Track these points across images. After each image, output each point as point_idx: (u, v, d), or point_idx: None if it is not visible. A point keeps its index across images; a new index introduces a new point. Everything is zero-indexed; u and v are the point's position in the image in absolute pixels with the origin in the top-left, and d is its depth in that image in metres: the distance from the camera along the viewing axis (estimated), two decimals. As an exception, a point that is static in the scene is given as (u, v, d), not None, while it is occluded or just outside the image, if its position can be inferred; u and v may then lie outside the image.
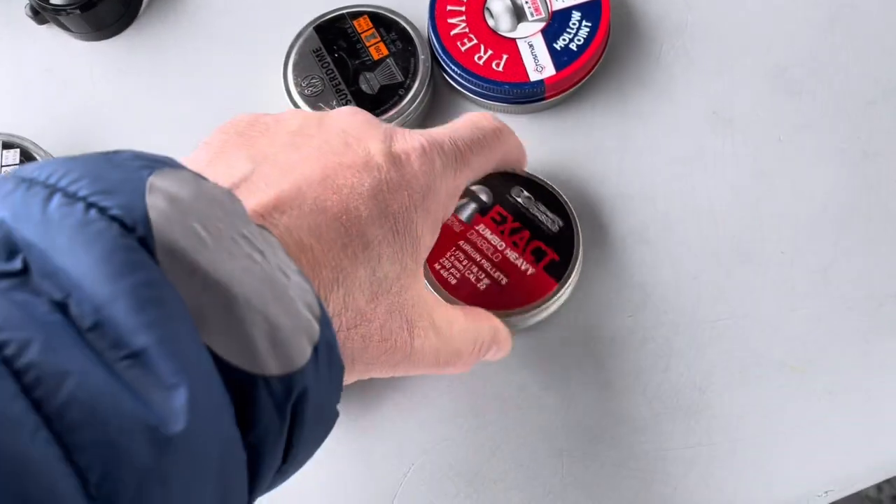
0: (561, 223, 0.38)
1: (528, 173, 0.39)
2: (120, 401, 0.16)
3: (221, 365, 0.18)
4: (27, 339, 0.15)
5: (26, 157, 0.42)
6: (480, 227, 0.37)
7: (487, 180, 0.37)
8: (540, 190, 0.38)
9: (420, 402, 0.39)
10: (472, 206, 0.38)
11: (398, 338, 0.27)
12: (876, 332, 0.39)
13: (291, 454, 0.21)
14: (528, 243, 0.37)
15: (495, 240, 0.37)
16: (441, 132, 0.31)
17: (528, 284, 0.37)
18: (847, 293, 0.39)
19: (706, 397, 0.38)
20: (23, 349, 0.15)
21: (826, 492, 0.37)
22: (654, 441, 0.37)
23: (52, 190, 0.18)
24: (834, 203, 0.41)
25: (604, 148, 0.42)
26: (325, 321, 0.21)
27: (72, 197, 0.18)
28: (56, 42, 0.47)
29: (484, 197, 0.38)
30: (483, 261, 0.37)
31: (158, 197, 0.19)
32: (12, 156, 0.42)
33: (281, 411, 0.19)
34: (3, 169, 0.42)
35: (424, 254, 0.29)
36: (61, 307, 0.17)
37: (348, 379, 0.27)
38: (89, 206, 0.18)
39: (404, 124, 0.42)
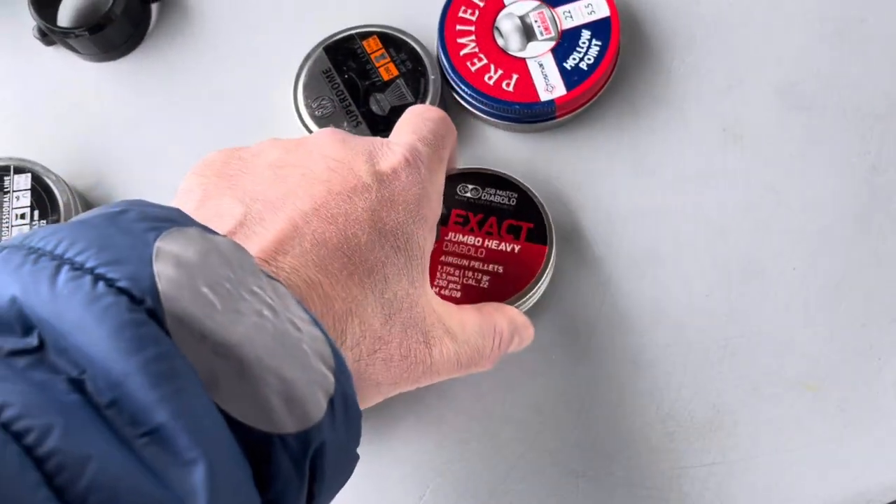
0: (515, 195, 0.39)
1: (457, 169, 0.40)
2: (140, 483, 0.16)
3: (237, 427, 0.18)
4: (48, 425, 0.15)
5: (37, 181, 0.42)
6: (451, 236, 0.38)
7: None
8: (479, 177, 0.40)
9: (435, 423, 0.39)
10: None
11: (417, 352, 0.27)
12: (889, 348, 0.39)
13: (315, 503, 0.21)
14: (500, 227, 0.38)
15: (470, 240, 0.38)
16: (411, 137, 0.31)
17: (523, 260, 0.38)
18: (859, 309, 0.39)
19: (720, 416, 0.38)
20: (44, 436, 0.15)
21: (841, 509, 0.37)
22: (668, 460, 0.38)
23: (60, 262, 0.18)
24: (845, 218, 0.41)
25: (615, 166, 0.42)
26: (339, 370, 0.21)
27: (79, 269, 0.18)
28: (64, 64, 0.47)
29: None
30: (472, 263, 0.38)
31: (166, 263, 0.19)
32: (24, 180, 0.42)
33: (299, 467, 0.19)
34: (15, 194, 0.42)
35: (428, 260, 0.29)
36: (78, 384, 0.17)
37: (374, 401, 0.27)
38: (97, 278, 0.18)
39: (415, 145, 0.42)
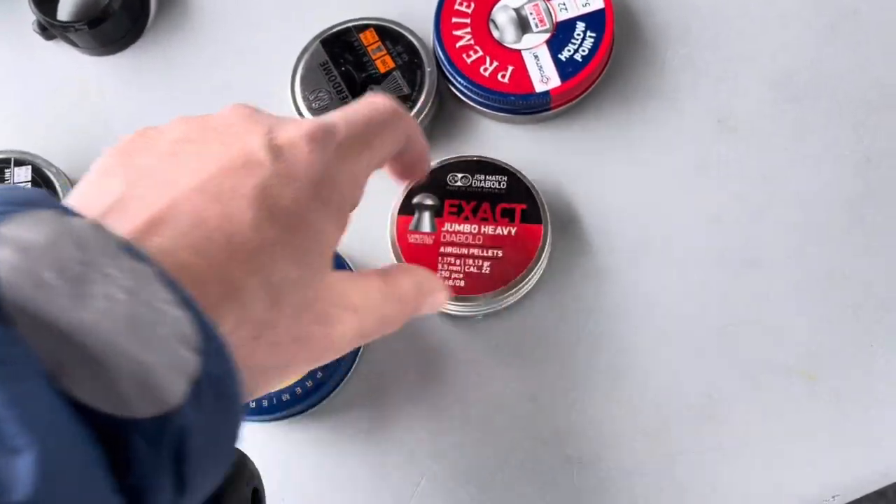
0: (504, 178, 0.40)
1: (442, 161, 0.40)
2: None
3: (87, 413, 0.18)
4: None
5: (38, 173, 0.42)
6: (447, 226, 0.39)
7: (420, 187, 0.39)
8: (467, 165, 0.40)
9: (431, 411, 0.39)
10: (427, 213, 0.39)
11: (312, 333, 0.26)
12: (882, 335, 0.39)
13: (187, 489, 0.20)
14: (494, 212, 0.39)
15: (466, 228, 0.39)
16: (333, 114, 0.29)
17: (521, 241, 0.38)
18: (853, 298, 0.40)
19: (714, 403, 0.38)
20: None
21: (834, 496, 0.37)
22: (663, 446, 0.38)
23: None
24: (839, 208, 0.41)
25: (610, 157, 0.43)
26: (208, 352, 0.20)
27: None
28: (64, 58, 0.48)
29: (430, 201, 0.39)
30: (471, 250, 0.38)
31: (7, 249, 0.18)
32: (24, 173, 0.42)
33: (158, 452, 0.19)
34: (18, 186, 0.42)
35: (332, 246, 0.27)
36: None
37: (267, 385, 0.26)
38: None
39: (412, 136, 0.42)
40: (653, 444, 0.38)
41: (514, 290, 0.38)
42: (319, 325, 0.26)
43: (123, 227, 0.23)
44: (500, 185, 0.39)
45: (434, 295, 0.32)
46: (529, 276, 0.38)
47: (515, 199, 0.39)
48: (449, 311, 0.39)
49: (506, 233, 0.38)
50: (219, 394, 0.20)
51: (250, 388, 0.24)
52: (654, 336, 0.40)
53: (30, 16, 0.46)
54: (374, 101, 0.30)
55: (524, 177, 0.40)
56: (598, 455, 0.38)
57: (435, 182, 0.40)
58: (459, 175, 0.40)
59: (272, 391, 0.27)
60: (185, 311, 0.20)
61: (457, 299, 0.38)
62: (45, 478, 0.16)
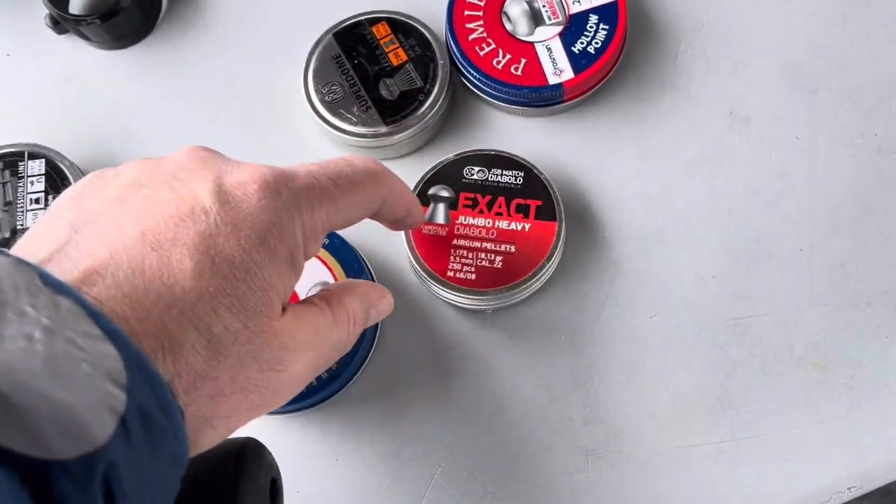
0: (521, 174, 0.40)
1: (459, 154, 0.40)
2: None
3: (9, 456, 0.17)
4: None
5: (51, 166, 0.43)
6: (461, 219, 0.39)
7: (438, 177, 0.40)
8: (484, 159, 0.40)
9: (445, 404, 0.39)
10: (441, 206, 0.39)
11: (260, 380, 0.25)
12: (895, 327, 0.39)
13: None
14: (508, 206, 0.39)
15: (480, 221, 0.39)
16: (298, 166, 0.28)
17: (534, 238, 0.38)
18: (866, 289, 0.40)
19: (728, 394, 0.39)
20: None
21: (849, 488, 0.37)
22: (677, 438, 0.38)
23: None
24: (851, 199, 0.41)
25: (623, 149, 0.43)
26: (137, 387, 0.20)
27: None
28: (76, 52, 0.48)
29: (445, 193, 0.39)
30: (484, 244, 0.38)
31: None
32: (38, 166, 0.43)
33: (86, 493, 0.18)
34: (30, 179, 0.42)
35: (280, 295, 0.26)
36: None
37: (213, 435, 0.25)
38: None
39: (425, 129, 0.42)
40: (667, 435, 0.38)
41: (523, 287, 0.38)
42: (269, 372, 0.25)
43: (61, 276, 0.22)
44: (516, 180, 0.39)
45: (380, 304, 0.32)
46: (540, 274, 0.38)
47: (531, 194, 0.39)
48: (458, 304, 0.39)
49: (519, 228, 0.39)
50: (150, 427, 0.20)
51: (193, 436, 0.23)
52: (667, 327, 0.40)
53: (42, 10, 0.46)
54: (350, 159, 0.30)
55: (541, 172, 0.40)
56: (613, 446, 0.38)
57: (451, 174, 0.40)
58: (476, 168, 0.40)
59: (217, 441, 0.25)
60: (110, 344, 0.20)
61: (467, 292, 0.38)
62: None
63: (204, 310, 0.23)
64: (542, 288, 0.40)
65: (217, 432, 0.25)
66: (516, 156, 0.40)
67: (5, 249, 0.21)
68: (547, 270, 0.38)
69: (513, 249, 0.38)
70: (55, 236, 0.24)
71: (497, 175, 0.40)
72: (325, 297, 0.30)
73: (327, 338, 0.28)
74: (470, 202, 0.39)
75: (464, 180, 0.40)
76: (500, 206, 0.39)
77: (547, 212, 0.39)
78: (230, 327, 0.24)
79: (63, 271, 0.22)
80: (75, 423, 0.18)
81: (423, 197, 0.39)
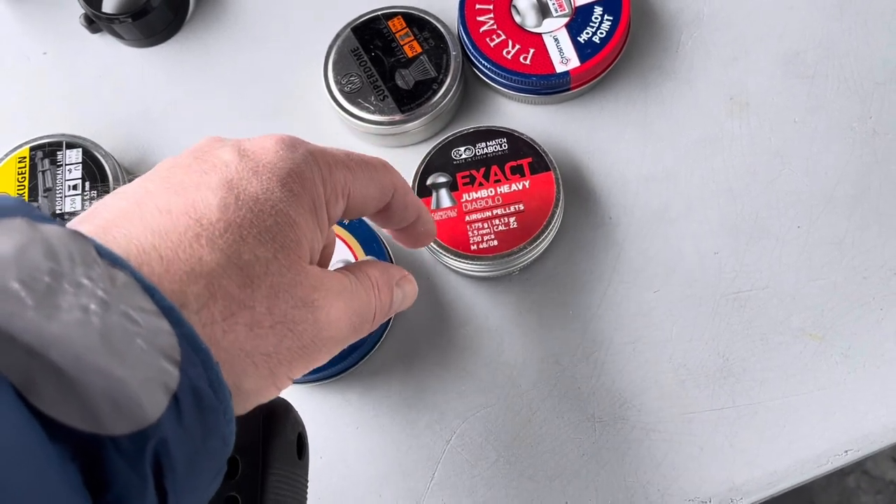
0: (504, 140, 0.43)
1: (442, 140, 0.43)
2: None
3: (61, 430, 0.17)
4: None
5: (88, 155, 0.45)
6: (465, 196, 0.42)
7: (431, 167, 0.42)
8: (466, 137, 0.43)
9: (459, 374, 0.41)
10: (443, 190, 0.42)
11: (295, 317, 0.25)
12: (889, 299, 0.41)
13: (170, 502, 0.19)
14: (504, 172, 0.42)
15: (483, 192, 0.41)
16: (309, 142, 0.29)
17: (537, 190, 0.41)
18: (861, 264, 0.41)
19: (729, 364, 0.40)
20: None
21: (846, 451, 0.39)
22: (680, 406, 0.40)
23: None
24: (846, 179, 0.43)
25: (627, 134, 0.45)
26: (189, 362, 0.20)
27: None
28: (109, 49, 0.51)
29: (442, 178, 0.42)
30: (495, 211, 0.41)
31: None
32: (75, 155, 0.45)
33: (137, 469, 0.18)
34: (68, 167, 0.45)
35: (308, 240, 0.26)
36: None
37: (258, 377, 0.24)
38: None
39: (439, 116, 0.45)
40: (671, 403, 0.40)
41: (545, 235, 0.40)
42: (304, 309, 0.25)
43: (92, 225, 0.22)
44: (501, 147, 0.42)
45: (405, 285, 0.32)
46: (555, 219, 0.41)
47: (520, 155, 0.42)
48: (488, 274, 0.41)
49: (521, 187, 0.41)
50: (201, 405, 0.20)
51: (236, 375, 0.23)
52: (670, 301, 0.42)
53: (77, 10, 0.49)
54: (360, 152, 0.31)
55: (521, 134, 0.42)
56: (619, 414, 0.40)
57: (442, 160, 0.42)
58: (462, 148, 0.42)
59: (266, 395, 0.25)
60: (164, 320, 0.19)
61: (494, 259, 0.40)
62: (13, 501, 0.15)
63: (232, 237, 0.23)
64: (551, 265, 0.42)
65: (259, 374, 0.24)
66: (493, 126, 0.43)
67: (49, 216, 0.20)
68: (559, 215, 0.41)
69: (522, 207, 0.41)
70: (91, 212, 0.25)
71: (483, 148, 0.42)
72: (346, 266, 0.30)
73: (354, 295, 0.28)
74: (467, 179, 0.42)
75: (455, 162, 0.42)
76: (496, 174, 0.42)
77: (540, 165, 0.42)
78: (260, 256, 0.24)
79: (90, 224, 0.23)
80: (129, 399, 0.18)
81: (423, 189, 0.42)
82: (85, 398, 0.17)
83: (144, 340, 0.19)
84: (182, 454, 0.19)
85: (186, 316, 0.21)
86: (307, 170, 0.26)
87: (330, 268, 0.41)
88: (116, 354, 0.18)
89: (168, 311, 0.20)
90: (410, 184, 0.42)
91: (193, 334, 0.20)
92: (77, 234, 0.20)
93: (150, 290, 0.20)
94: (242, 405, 0.24)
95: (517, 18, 0.45)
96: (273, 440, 0.32)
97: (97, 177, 0.45)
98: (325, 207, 0.27)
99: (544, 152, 0.42)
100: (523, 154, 0.42)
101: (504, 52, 0.44)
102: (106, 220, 0.23)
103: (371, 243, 0.42)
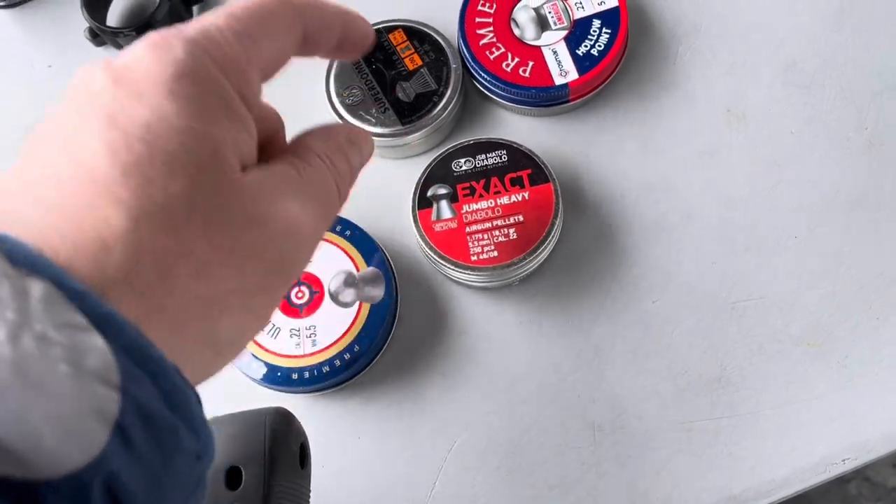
0: (503, 152, 0.43)
1: (443, 152, 0.43)
2: None
3: None
4: None
5: (93, 168, 0.46)
6: (465, 208, 0.42)
7: (431, 178, 0.43)
8: (466, 149, 0.43)
9: (460, 383, 0.42)
10: (443, 202, 0.42)
11: (249, 240, 0.22)
12: (886, 307, 0.41)
13: None
14: (503, 183, 0.42)
15: (483, 204, 0.42)
16: (203, 15, 0.24)
17: (536, 202, 0.42)
18: (858, 272, 0.42)
19: (728, 373, 0.41)
20: None
21: (844, 460, 0.39)
22: (679, 414, 0.40)
23: None
24: (843, 189, 0.43)
25: (626, 145, 0.45)
26: (134, 380, 0.17)
27: None
28: (114, 62, 0.51)
29: (443, 190, 0.43)
30: (495, 222, 0.41)
31: None
32: (80, 167, 0.46)
33: None
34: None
35: (231, 150, 0.22)
36: None
37: (235, 322, 0.22)
38: None
39: (439, 128, 0.45)
40: (670, 411, 0.40)
41: (544, 246, 0.41)
42: (253, 230, 0.22)
43: None
44: (501, 158, 0.43)
45: (358, 142, 0.29)
46: (554, 230, 0.41)
47: (519, 166, 0.42)
48: (488, 284, 0.42)
49: (520, 199, 0.42)
50: (154, 426, 0.17)
51: (203, 329, 0.21)
52: (669, 311, 0.42)
53: (82, 23, 0.50)
54: None
55: (521, 146, 0.43)
56: (618, 422, 0.40)
57: (442, 172, 0.43)
58: (463, 159, 0.43)
59: (253, 333, 0.23)
60: (96, 333, 0.17)
61: (494, 270, 0.40)
62: None
63: (135, 182, 0.20)
64: (551, 275, 0.42)
65: (235, 314, 0.21)
66: (493, 138, 0.43)
67: None
68: (558, 226, 0.41)
69: (521, 218, 0.41)
70: None
71: (483, 160, 0.43)
72: (288, 152, 0.26)
73: (307, 183, 0.25)
74: (468, 190, 0.42)
75: (455, 173, 0.43)
76: (496, 186, 0.42)
77: (539, 177, 0.42)
78: (175, 191, 0.20)
79: None
80: (58, 437, 0.16)
81: (425, 200, 0.42)
82: (5, 444, 0.15)
83: (69, 364, 0.16)
84: (140, 484, 0.17)
85: (116, 299, 0.18)
86: (195, 64, 0.22)
87: (331, 278, 0.42)
88: (33, 387, 0.15)
89: (105, 319, 0.17)
90: (411, 196, 0.43)
91: (139, 342, 0.18)
92: None
93: (79, 298, 0.17)
94: (230, 354, 0.22)
95: (516, 31, 0.46)
96: (276, 450, 0.32)
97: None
98: (236, 98, 0.23)
99: (543, 164, 0.42)
100: (523, 166, 0.42)
101: (503, 65, 0.45)
102: None
103: (372, 253, 0.42)
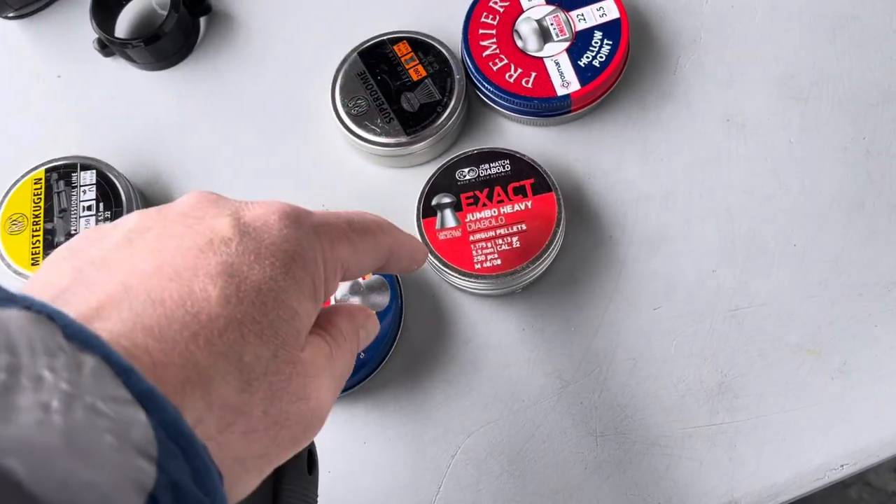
0: (507, 161, 0.44)
1: (447, 161, 0.44)
2: None
3: None
4: None
5: (102, 177, 0.46)
6: (469, 216, 0.43)
7: (436, 187, 0.43)
8: (470, 159, 0.44)
9: (464, 389, 0.42)
10: (447, 211, 0.43)
11: (292, 412, 0.23)
12: (884, 315, 0.42)
13: None
14: (506, 192, 0.43)
15: (486, 213, 0.43)
16: (317, 211, 0.27)
17: (539, 211, 0.42)
18: (856, 281, 0.42)
19: (728, 379, 0.41)
20: None
21: (842, 465, 0.40)
22: (680, 420, 0.41)
23: None
24: (841, 198, 0.44)
25: (627, 154, 0.46)
26: (168, 456, 0.18)
27: None
28: (122, 73, 0.52)
29: (447, 199, 0.43)
30: (498, 231, 0.42)
31: None
32: (90, 176, 0.47)
33: None
34: (82, 188, 0.46)
35: (307, 328, 0.25)
36: None
37: (247, 483, 0.23)
38: None
39: (443, 138, 0.46)
40: (671, 418, 0.41)
41: (546, 255, 0.41)
42: (298, 403, 0.24)
43: (69, 313, 0.20)
44: (504, 168, 0.43)
45: (368, 324, 0.31)
46: (556, 239, 0.42)
47: (522, 176, 0.43)
48: (492, 292, 0.42)
49: (523, 208, 0.42)
50: (181, 497, 0.18)
51: (228, 484, 0.21)
52: (670, 319, 0.43)
53: (91, 34, 0.51)
54: (359, 211, 0.29)
55: (523, 155, 0.44)
56: (620, 429, 0.41)
57: (446, 181, 0.44)
58: (467, 169, 0.44)
59: (251, 489, 0.24)
60: (139, 408, 0.18)
61: (497, 278, 0.41)
62: None
63: (233, 337, 0.21)
64: (553, 283, 0.43)
65: (250, 476, 0.23)
66: (496, 147, 0.44)
67: (28, 296, 0.18)
68: (561, 234, 0.42)
69: (524, 227, 0.42)
70: (54, 283, 0.22)
71: (486, 169, 0.43)
72: (317, 323, 0.28)
73: (336, 361, 0.27)
74: (471, 199, 0.43)
75: (459, 182, 0.44)
76: (499, 195, 0.43)
77: (542, 186, 0.43)
78: (261, 356, 0.22)
79: (71, 310, 0.20)
80: None
81: (429, 209, 0.43)
82: None
83: (114, 436, 0.17)
84: None
85: None
86: (310, 250, 0.25)
87: (337, 291, 0.42)
88: (82, 455, 0.16)
89: (147, 396, 0.18)
90: (416, 205, 0.43)
91: (176, 420, 0.18)
92: (41, 318, 0.18)
93: (125, 373, 0.18)
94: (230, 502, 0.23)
95: (519, 43, 0.46)
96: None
97: (111, 197, 0.46)
98: (324, 287, 0.26)
99: (546, 173, 0.43)
100: (525, 175, 0.43)
101: (506, 76, 0.46)
102: (87, 307, 0.20)
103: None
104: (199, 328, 0.21)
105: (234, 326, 0.21)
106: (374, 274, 0.42)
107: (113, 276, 0.21)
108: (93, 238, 0.24)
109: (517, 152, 0.44)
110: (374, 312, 0.33)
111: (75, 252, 0.23)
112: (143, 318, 0.20)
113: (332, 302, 0.42)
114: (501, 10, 0.47)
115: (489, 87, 0.46)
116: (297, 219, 0.25)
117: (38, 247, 0.45)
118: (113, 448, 0.17)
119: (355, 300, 0.42)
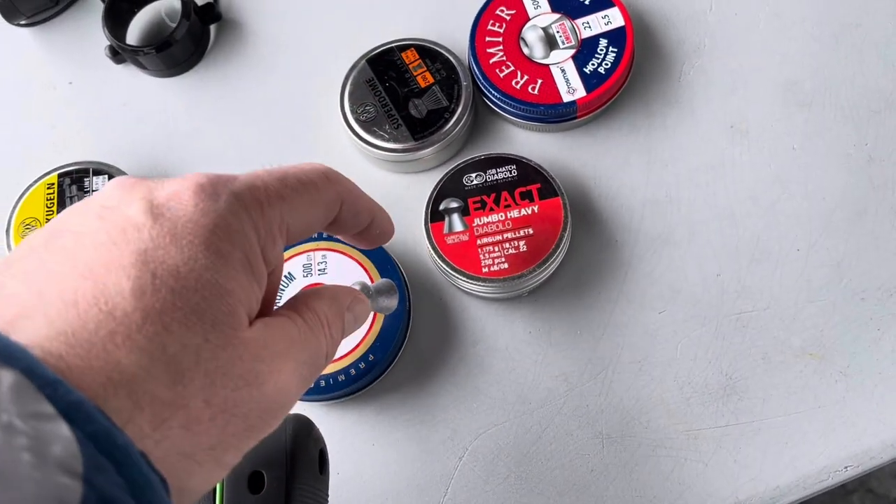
0: (513, 166, 0.44)
1: (455, 166, 0.45)
2: None
3: None
4: None
5: (114, 182, 0.47)
6: (477, 221, 0.43)
7: (443, 192, 0.44)
8: (477, 164, 0.45)
9: (471, 392, 0.43)
10: (455, 215, 0.44)
11: (239, 398, 0.22)
12: (887, 319, 0.42)
13: None
14: (513, 197, 0.43)
15: (494, 217, 0.43)
16: (242, 174, 0.25)
17: (546, 215, 0.43)
18: (859, 285, 0.43)
19: (732, 382, 0.42)
20: None
21: (846, 467, 0.40)
22: (685, 423, 0.41)
23: None
24: (844, 203, 0.45)
25: (632, 160, 0.47)
26: (97, 471, 0.17)
27: None
28: (133, 79, 0.53)
29: (455, 204, 0.44)
30: (505, 235, 0.43)
31: None
32: (102, 181, 0.47)
33: None
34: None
35: (244, 307, 0.23)
36: None
37: (209, 475, 0.22)
38: None
39: (451, 144, 0.46)
40: (676, 420, 0.41)
41: (553, 259, 0.42)
42: (246, 389, 0.22)
43: None
44: (511, 173, 0.44)
45: (355, 307, 0.29)
46: (562, 243, 0.42)
47: (529, 181, 0.44)
48: (499, 295, 0.43)
49: (530, 212, 0.43)
50: None
51: (178, 479, 0.20)
52: (675, 322, 0.43)
53: (102, 41, 0.51)
54: (299, 164, 0.27)
55: (530, 161, 0.44)
56: (626, 431, 0.41)
57: (454, 186, 0.44)
58: (474, 174, 0.44)
59: (214, 481, 0.23)
60: (62, 423, 0.17)
61: (505, 281, 0.42)
62: None
63: (153, 329, 0.20)
64: (559, 287, 0.44)
65: (205, 469, 0.21)
66: (503, 153, 0.45)
67: None
68: (567, 238, 0.43)
69: (531, 231, 0.42)
70: None
71: (493, 174, 0.44)
72: (291, 305, 0.27)
73: (304, 345, 0.25)
74: (479, 204, 0.44)
75: (466, 187, 0.44)
76: (506, 199, 0.43)
77: (548, 191, 0.43)
78: (188, 344, 0.21)
79: None
80: None
81: (437, 214, 0.44)
82: None
83: (33, 454, 0.16)
84: None
85: None
86: (235, 220, 0.23)
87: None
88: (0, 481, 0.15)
89: (74, 407, 0.17)
90: (424, 209, 0.44)
91: (107, 430, 0.18)
92: None
93: (50, 386, 0.17)
94: (193, 499, 0.22)
95: (525, 50, 0.47)
96: (297, 456, 0.34)
97: (122, 202, 0.47)
98: (260, 257, 0.24)
99: (552, 178, 0.43)
100: (532, 180, 0.44)
101: (513, 83, 0.46)
102: (4, 320, 0.20)
103: (385, 265, 0.43)
104: (115, 325, 0.20)
105: (153, 318, 0.20)
106: (377, 277, 0.43)
107: (29, 285, 0.20)
108: (22, 247, 0.23)
109: (524, 157, 0.44)
110: (366, 298, 0.31)
111: (6, 265, 0.22)
112: (56, 323, 0.19)
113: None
114: (508, 17, 0.48)
115: (496, 93, 0.46)
116: (213, 189, 0.23)
117: (50, 250, 0.46)
118: (31, 466, 0.16)
119: (364, 303, 0.43)
